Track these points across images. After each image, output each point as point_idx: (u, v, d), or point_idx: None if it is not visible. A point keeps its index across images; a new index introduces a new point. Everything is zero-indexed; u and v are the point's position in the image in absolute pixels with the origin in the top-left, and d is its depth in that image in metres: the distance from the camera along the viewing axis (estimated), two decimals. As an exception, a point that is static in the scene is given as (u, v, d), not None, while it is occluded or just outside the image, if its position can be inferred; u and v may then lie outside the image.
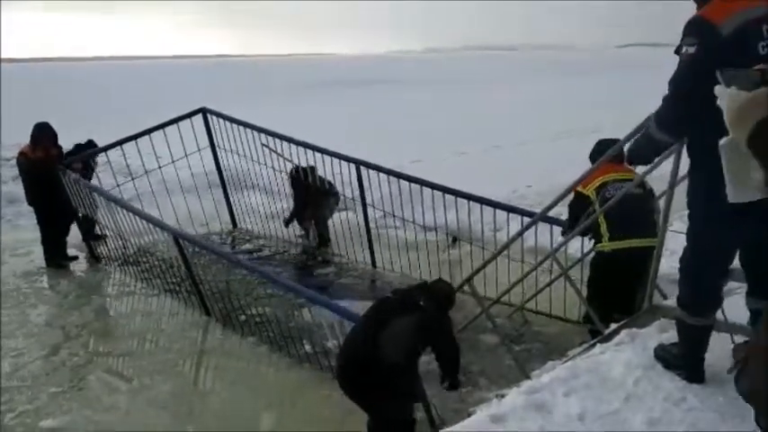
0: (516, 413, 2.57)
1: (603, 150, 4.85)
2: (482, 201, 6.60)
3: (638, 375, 2.67)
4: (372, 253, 7.68)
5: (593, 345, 3.30)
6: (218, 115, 8.78)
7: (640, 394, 2.56)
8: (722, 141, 1.52)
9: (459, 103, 28.32)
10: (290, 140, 8.16)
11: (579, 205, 4.68)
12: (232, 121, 8.63)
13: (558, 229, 5.48)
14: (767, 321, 1.56)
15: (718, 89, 1.52)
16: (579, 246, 5.46)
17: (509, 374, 4.80)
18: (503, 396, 4.14)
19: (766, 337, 1.49)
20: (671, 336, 2.91)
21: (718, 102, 1.48)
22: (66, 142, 8.45)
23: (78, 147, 8.91)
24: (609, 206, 4.18)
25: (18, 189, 9.84)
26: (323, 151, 7.82)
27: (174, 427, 4.44)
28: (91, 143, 8.94)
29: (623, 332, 3.10)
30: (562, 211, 5.34)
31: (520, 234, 4.53)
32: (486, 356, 5.21)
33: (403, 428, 3.71)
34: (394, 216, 7.51)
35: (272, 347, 5.55)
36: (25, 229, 9.40)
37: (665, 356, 2.80)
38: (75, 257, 8.27)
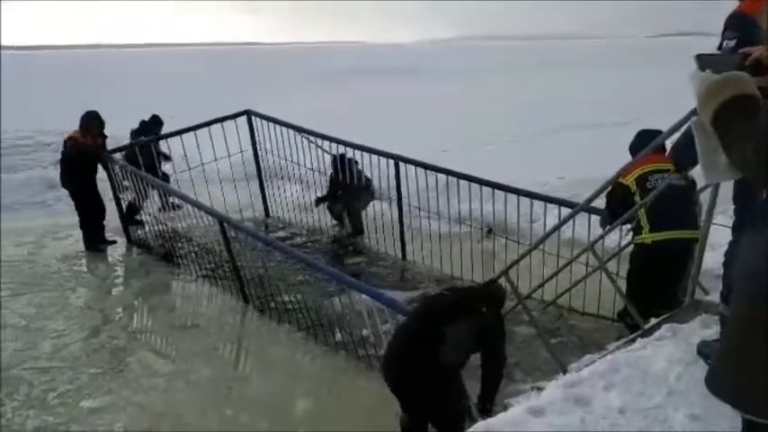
0: (555, 406, 2.57)
1: (645, 142, 4.79)
2: (518, 192, 6.58)
3: (679, 371, 2.64)
4: (404, 247, 7.68)
5: (634, 339, 3.28)
6: (263, 117, 9.03)
7: (682, 389, 2.53)
8: (692, 120, 1.52)
9: (484, 93, 28.07)
10: (330, 139, 8.34)
11: (618, 196, 4.62)
12: (276, 122, 8.85)
13: (594, 219, 5.42)
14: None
15: (691, 73, 1.51)
16: (616, 238, 5.40)
17: (544, 367, 4.78)
18: (539, 388, 4.15)
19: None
20: (714, 332, 2.88)
21: (691, 85, 1.48)
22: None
23: (144, 123, 9.28)
24: (653, 196, 4.13)
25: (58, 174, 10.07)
26: (361, 148, 7.98)
27: (212, 410, 4.52)
28: (156, 119, 9.36)
29: (664, 327, 3.06)
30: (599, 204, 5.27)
31: (557, 228, 4.47)
32: (522, 349, 5.19)
33: (448, 425, 3.67)
34: (429, 213, 7.48)
35: (307, 334, 5.62)
36: (64, 213, 9.60)
37: (708, 352, 2.77)
38: (114, 242, 8.44)
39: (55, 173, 11.00)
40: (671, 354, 2.77)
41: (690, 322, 3.11)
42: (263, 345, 5.69)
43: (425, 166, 7.27)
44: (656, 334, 3.03)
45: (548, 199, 6.49)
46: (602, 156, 6.07)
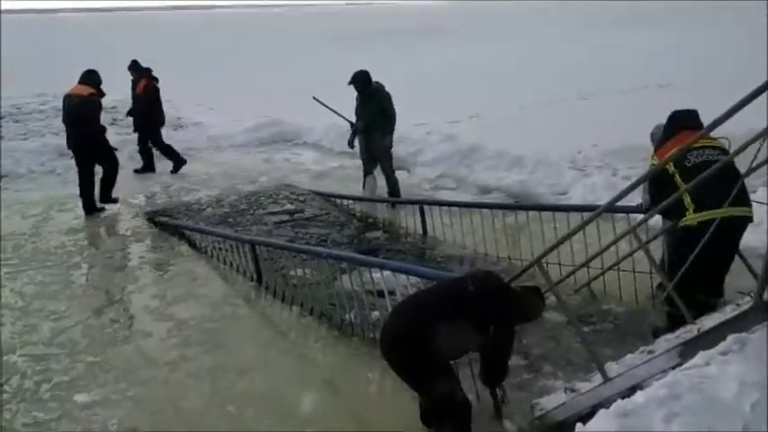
0: (606, 440, 2.14)
1: (677, 123, 4.33)
2: (541, 208, 6.71)
3: (755, 398, 2.17)
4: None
5: (690, 349, 2.81)
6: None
7: (760, 422, 2.08)
8: None
9: (516, 54, 27.27)
10: None
11: (657, 181, 4.16)
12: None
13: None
14: None
15: None
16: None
17: (576, 359, 4.37)
18: (572, 390, 3.72)
19: None
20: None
21: None
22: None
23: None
24: (703, 177, 3.63)
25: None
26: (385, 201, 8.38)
27: (214, 405, 4.16)
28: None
29: (729, 338, 2.57)
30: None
31: (601, 212, 4.01)
32: (551, 338, 4.75)
33: (448, 406, 3.44)
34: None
35: (319, 318, 5.25)
36: (74, 182, 9.28)
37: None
38: (116, 200, 8.55)
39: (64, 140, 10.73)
40: (741, 374, 2.30)
41: (757, 330, 2.62)
42: (271, 331, 5.26)
43: (450, 204, 7.12)
44: (721, 346, 2.54)
45: (567, 208, 6.32)
46: (639, 121, 5.55)
